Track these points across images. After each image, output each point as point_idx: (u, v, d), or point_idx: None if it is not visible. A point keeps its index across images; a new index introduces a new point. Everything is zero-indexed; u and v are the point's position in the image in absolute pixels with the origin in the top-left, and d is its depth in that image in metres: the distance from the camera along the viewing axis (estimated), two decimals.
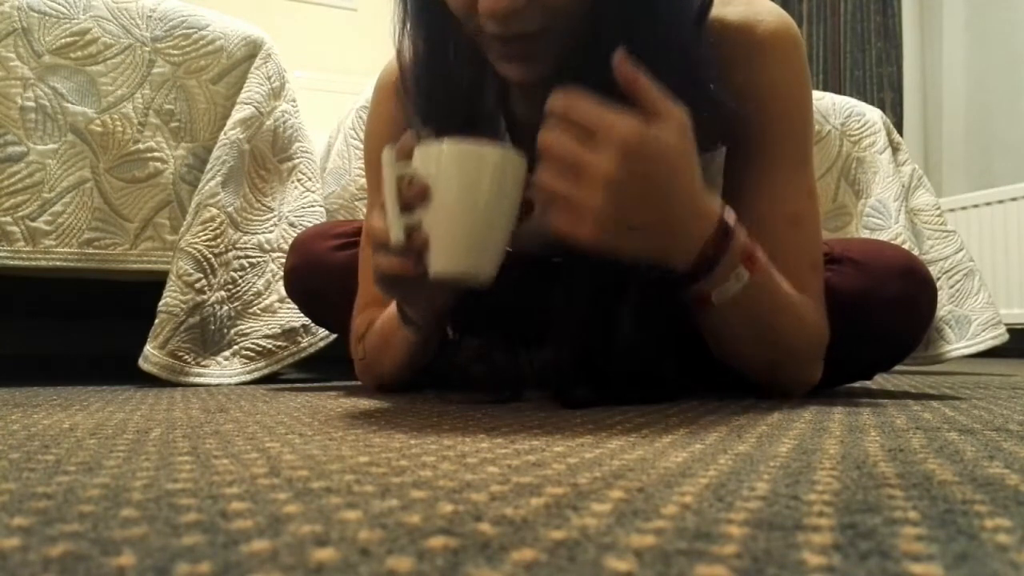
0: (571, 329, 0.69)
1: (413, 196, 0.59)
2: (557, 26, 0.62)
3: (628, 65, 0.54)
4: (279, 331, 1.19)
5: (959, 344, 1.53)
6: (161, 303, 1.10)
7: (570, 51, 0.65)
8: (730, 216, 0.62)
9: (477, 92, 0.72)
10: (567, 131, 0.55)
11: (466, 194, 0.60)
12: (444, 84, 0.71)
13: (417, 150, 0.60)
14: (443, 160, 0.60)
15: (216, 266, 1.14)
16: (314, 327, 1.19)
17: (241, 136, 1.17)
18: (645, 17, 0.63)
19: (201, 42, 1.18)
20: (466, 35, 0.66)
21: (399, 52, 0.73)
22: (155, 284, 1.14)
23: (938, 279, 1.56)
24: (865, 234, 1.55)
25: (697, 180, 0.58)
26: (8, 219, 1.07)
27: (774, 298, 0.67)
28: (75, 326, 1.92)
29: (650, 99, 0.55)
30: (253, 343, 1.17)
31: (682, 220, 0.58)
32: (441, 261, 0.60)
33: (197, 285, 1.12)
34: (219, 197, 1.14)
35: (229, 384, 1.11)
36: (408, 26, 0.72)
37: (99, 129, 1.11)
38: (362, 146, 1.35)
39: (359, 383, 0.97)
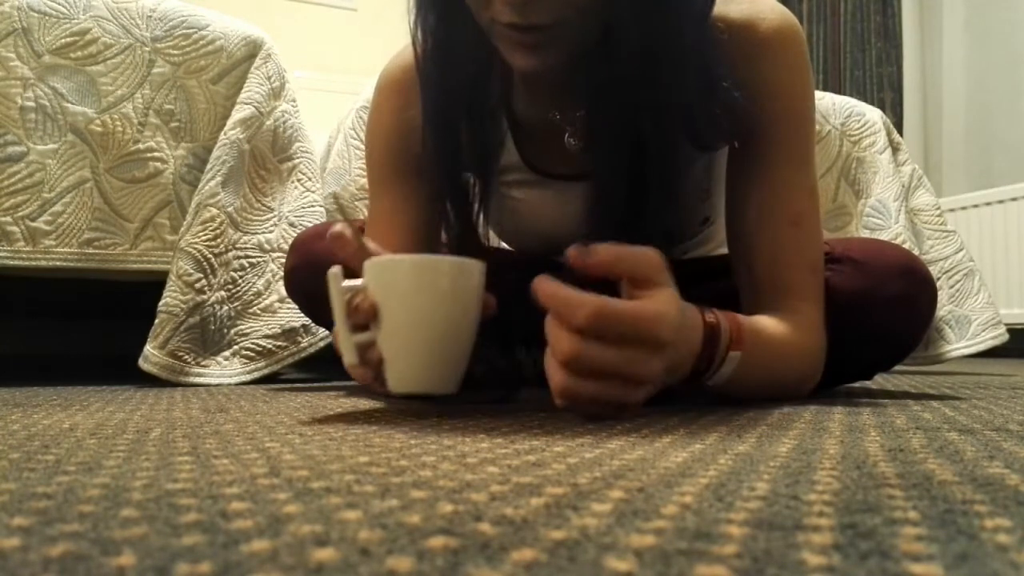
0: None
1: (362, 316, 0.58)
2: (571, 19, 0.61)
3: (584, 254, 0.51)
4: (279, 331, 1.19)
5: (959, 344, 1.53)
6: (161, 303, 1.10)
7: (581, 45, 0.65)
8: (710, 316, 0.60)
9: (482, 85, 0.72)
10: (608, 343, 0.50)
11: (422, 311, 0.57)
12: (451, 74, 0.71)
13: (368, 265, 0.58)
14: (396, 276, 0.58)
15: (216, 266, 1.14)
16: (314, 327, 1.19)
17: (241, 136, 1.17)
18: (658, 13, 0.63)
19: (201, 42, 1.18)
20: (475, 26, 0.66)
21: (414, 40, 0.72)
22: (155, 284, 1.14)
23: (938, 279, 1.56)
24: (865, 234, 1.55)
25: (682, 312, 0.56)
26: (8, 219, 1.07)
27: (767, 357, 0.67)
28: (75, 326, 1.92)
29: (630, 269, 0.53)
30: (253, 343, 1.17)
31: (680, 355, 0.58)
32: (397, 380, 0.59)
33: (197, 285, 1.12)
34: (219, 197, 1.14)
35: (229, 384, 1.11)
36: (420, 14, 0.71)
37: (99, 129, 1.11)
38: (362, 146, 1.35)
39: (359, 383, 0.97)
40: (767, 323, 0.68)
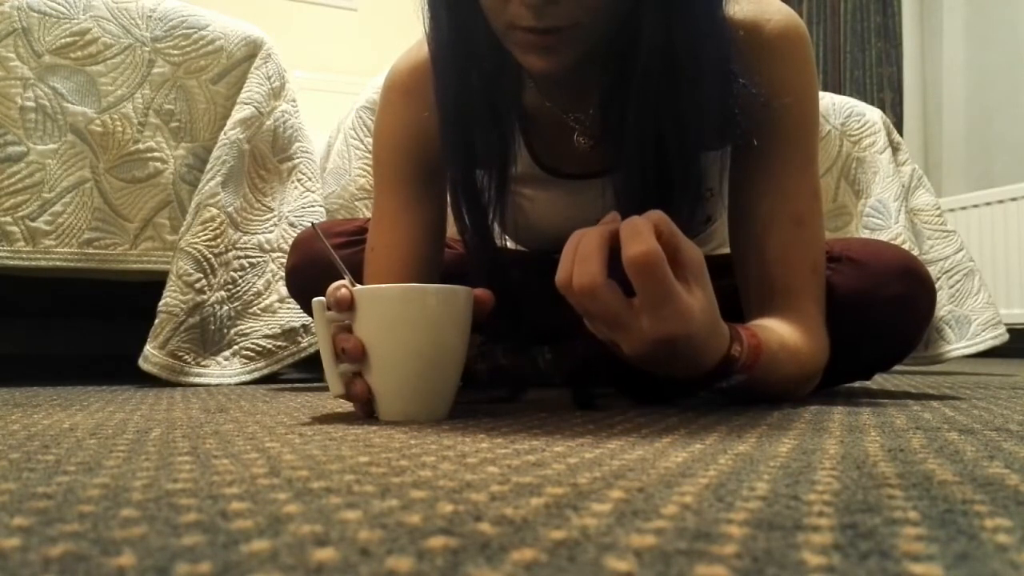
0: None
1: (349, 357, 0.58)
2: (587, 21, 0.62)
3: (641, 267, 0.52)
4: (279, 331, 1.19)
5: (959, 344, 1.53)
6: (161, 303, 1.10)
7: (594, 45, 0.65)
8: (736, 348, 0.61)
9: (496, 82, 0.72)
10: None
11: (409, 341, 0.58)
12: (466, 71, 0.71)
13: (355, 296, 0.58)
14: (383, 306, 0.58)
15: (216, 266, 1.14)
16: (314, 327, 1.19)
17: (241, 136, 1.17)
18: (676, 10, 0.63)
19: (201, 42, 1.18)
20: (486, 25, 0.66)
21: (428, 39, 0.72)
22: (155, 284, 1.14)
23: (938, 279, 1.56)
24: (865, 234, 1.55)
25: (713, 331, 0.58)
26: (8, 219, 1.07)
27: (777, 371, 0.67)
28: (75, 326, 1.92)
29: (683, 254, 0.55)
30: (253, 343, 1.17)
31: (693, 362, 0.59)
32: (386, 409, 0.59)
33: (197, 285, 1.12)
34: (219, 197, 1.14)
35: (229, 384, 1.11)
36: (431, 12, 0.71)
37: (99, 129, 1.11)
38: (362, 146, 1.35)
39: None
40: (784, 338, 0.67)
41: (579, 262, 0.53)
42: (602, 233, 0.54)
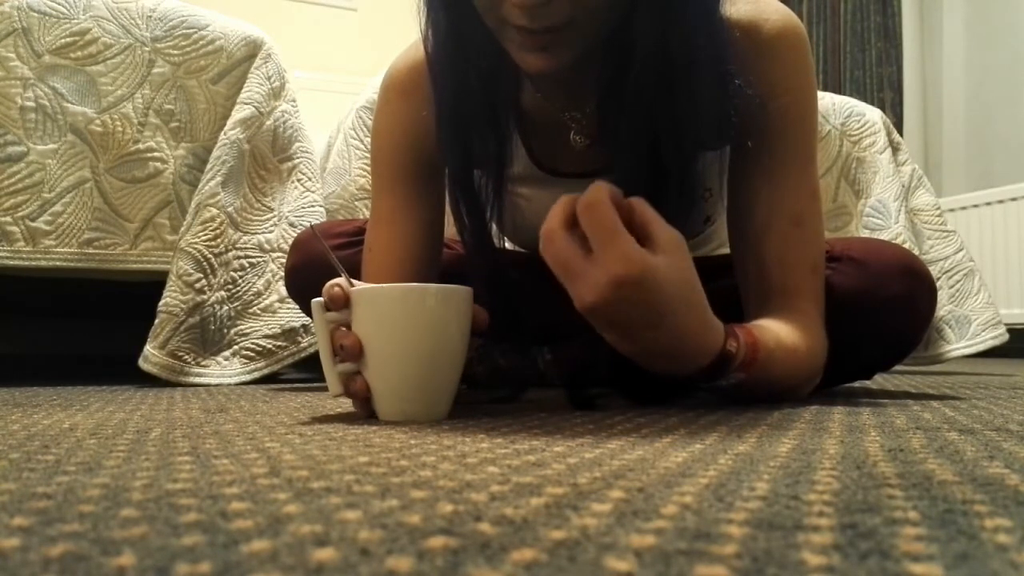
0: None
1: (348, 354, 0.58)
2: (582, 20, 0.61)
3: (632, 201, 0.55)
4: (279, 331, 1.19)
5: (959, 344, 1.53)
6: (161, 303, 1.10)
7: (591, 44, 0.65)
8: (732, 344, 0.61)
9: (493, 82, 0.72)
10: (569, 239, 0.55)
11: (408, 341, 0.57)
12: (463, 72, 0.71)
13: (354, 296, 0.58)
14: (383, 306, 0.58)
15: (216, 266, 1.14)
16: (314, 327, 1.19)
17: (241, 136, 1.17)
18: (671, 10, 0.63)
19: (201, 42, 1.18)
20: (483, 25, 0.66)
21: (424, 39, 0.72)
22: (155, 284, 1.14)
23: (938, 279, 1.56)
24: (865, 234, 1.55)
25: (695, 315, 0.58)
26: (8, 219, 1.07)
27: (776, 371, 0.66)
28: (75, 326, 1.92)
29: (650, 230, 0.55)
30: (253, 343, 1.17)
31: (679, 349, 0.59)
32: (385, 409, 0.59)
33: (197, 285, 1.12)
34: (219, 197, 1.14)
35: (229, 384, 1.11)
36: (428, 12, 0.71)
37: (99, 129, 1.11)
38: (362, 146, 1.35)
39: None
40: (781, 336, 0.67)
41: (547, 217, 0.55)
42: (573, 195, 0.56)
